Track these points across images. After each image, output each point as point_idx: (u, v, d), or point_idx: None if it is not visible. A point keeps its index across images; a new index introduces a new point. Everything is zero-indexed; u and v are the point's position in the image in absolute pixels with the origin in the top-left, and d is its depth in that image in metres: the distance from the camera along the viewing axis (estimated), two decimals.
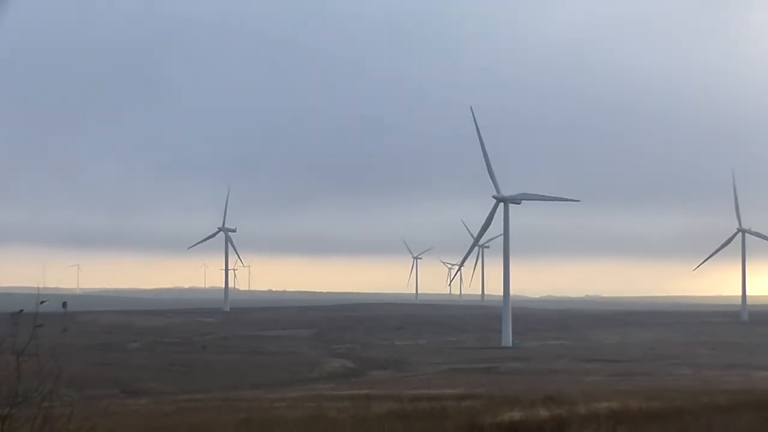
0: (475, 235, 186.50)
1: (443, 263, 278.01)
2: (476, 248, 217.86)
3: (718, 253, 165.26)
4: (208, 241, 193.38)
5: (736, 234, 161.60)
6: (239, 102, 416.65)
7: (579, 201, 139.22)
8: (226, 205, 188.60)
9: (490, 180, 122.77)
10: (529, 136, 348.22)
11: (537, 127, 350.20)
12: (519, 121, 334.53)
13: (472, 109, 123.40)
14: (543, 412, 27.28)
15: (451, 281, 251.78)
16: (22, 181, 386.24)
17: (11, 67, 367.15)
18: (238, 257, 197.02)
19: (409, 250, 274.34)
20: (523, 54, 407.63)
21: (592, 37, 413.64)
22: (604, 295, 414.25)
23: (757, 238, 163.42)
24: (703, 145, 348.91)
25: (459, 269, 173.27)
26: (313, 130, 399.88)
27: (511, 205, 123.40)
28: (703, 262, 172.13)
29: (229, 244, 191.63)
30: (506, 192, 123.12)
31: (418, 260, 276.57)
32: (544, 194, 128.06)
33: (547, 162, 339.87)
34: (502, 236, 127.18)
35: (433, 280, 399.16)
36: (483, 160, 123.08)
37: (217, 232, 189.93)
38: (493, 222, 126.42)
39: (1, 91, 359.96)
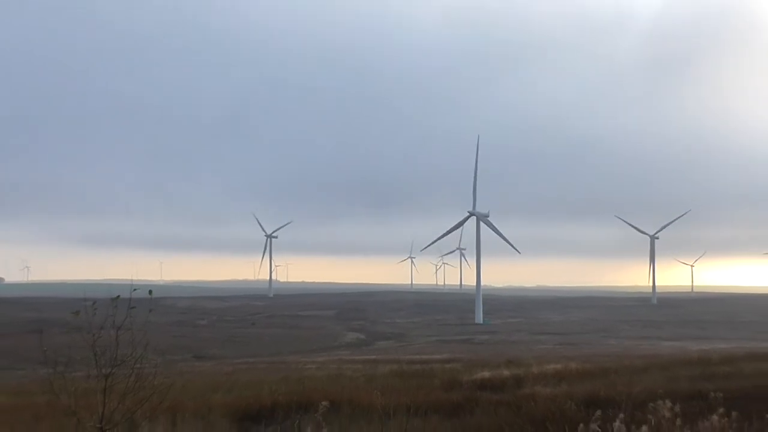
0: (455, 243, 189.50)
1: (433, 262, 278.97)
2: (457, 251, 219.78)
3: (636, 252, 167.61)
4: (258, 242, 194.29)
5: (651, 240, 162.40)
6: (289, 139, 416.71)
7: (520, 253, 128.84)
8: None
9: (472, 198, 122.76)
10: (512, 163, 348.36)
11: (517, 157, 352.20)
12: (504, 153, 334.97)
13: (478, 138, 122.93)
14: (505, 372, 27.20)
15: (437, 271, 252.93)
16: (132, 202, 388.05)
17: (132, 117, 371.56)
18: (270, 259, 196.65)
19: (410, 253, 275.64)
20: (516, 107, 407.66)
21: (569, 99, 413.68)
22: (550, 285, 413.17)
23: (666, 237, 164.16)
24: (629, 176, 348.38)
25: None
26: (341, 162, 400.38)
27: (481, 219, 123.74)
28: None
29: (269, 247, 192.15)
30: (480, 210, 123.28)
31: (414, 259, 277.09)
32: (498, 230, 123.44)
33: (521, 183, 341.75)
34: (475, 241, 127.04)
35: (425, 274, 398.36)
36: (472, 182, 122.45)
37: (271, 235, 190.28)
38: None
39: (129, 141, 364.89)
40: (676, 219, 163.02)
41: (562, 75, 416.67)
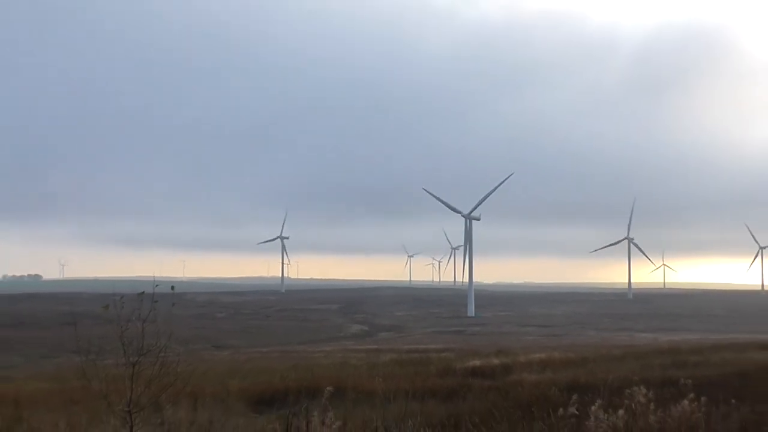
0: (451, 242, 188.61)
1: (433, 259, 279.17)
2: (451, 249, 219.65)
3: (614, 252, 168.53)
4: (272, 243, 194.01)
5: (623, 239, 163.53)
6: (303, 149, 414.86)
7: (512, 173, 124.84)
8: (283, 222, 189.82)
9: (474, 203, 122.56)
10: (506, 171, 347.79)
11: (501, 166, 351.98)
12: (499, 162, 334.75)
13: (510, 175, 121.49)
14: (495, 360, 27.20)
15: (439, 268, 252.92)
16: (157, 206, 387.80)
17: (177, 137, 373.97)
18: (287, 256, 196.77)
19: (406, 251, 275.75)
20: (513, 122, 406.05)
21: (561, 115, 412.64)
22: (537, 281, 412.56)
23: (636, 244, 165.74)
24: (612, 185, 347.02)
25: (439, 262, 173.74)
26: (347, 170, 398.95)
27: (474, 221, 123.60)
28: (597, 249, 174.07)
29: (284, 246, 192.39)
30: (473, 214, 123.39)
31: (411, 258, 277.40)
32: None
33: (514, 190, 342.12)
34: (465, 242, 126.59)
35: (421, 271, 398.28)
36: (481, 190, 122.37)
37: (276, 238, 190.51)
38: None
39: (157, 152, 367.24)
40: (647, 257, 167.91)
41: (556, 93, 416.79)
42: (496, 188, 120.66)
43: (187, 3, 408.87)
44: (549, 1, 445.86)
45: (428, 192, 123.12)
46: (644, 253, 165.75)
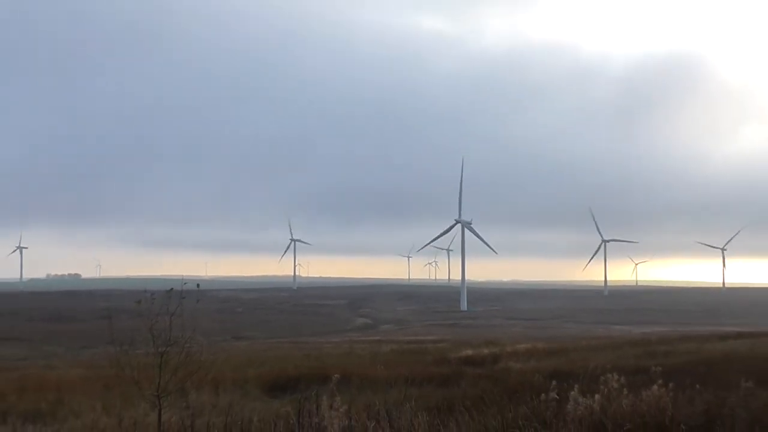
0: (452, 243, 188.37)
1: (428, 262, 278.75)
2: (446, 251, 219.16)
3: (595, 254, 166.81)
4: (283, 244, 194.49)
5: (601, 243, 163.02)
6: (315, 160, 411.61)
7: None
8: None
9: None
10: (493, 178, 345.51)
11: (498, 173, 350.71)
12: (493, 171, 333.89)
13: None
14: (485, 350, 27.18)
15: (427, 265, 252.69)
16: (182, 212, 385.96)
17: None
18: (296, 257, 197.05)
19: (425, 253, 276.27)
20: (511, 133, 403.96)
21: (552, 129, 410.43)
22: (523, 279, 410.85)
23: (616, 243, 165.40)
24: (597, 191, 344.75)
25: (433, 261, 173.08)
26: (356, 175, 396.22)
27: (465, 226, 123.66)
28: (587, 263, 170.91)
29: (293, 249, 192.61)
30: (464, 218, 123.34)
31: (410, 258, 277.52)
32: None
33: (502, 196, 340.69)
34: (460, 243, 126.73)
35: (420, 270, 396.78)
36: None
37: (292, 241, 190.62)
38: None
39: (191, 165, 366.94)
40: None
41: (554, 104, 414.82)
42: (480, 237, 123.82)
43: (232, 28, 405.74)
44: (547, 33, 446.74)
45: (461, 168, 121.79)
46: (604, 256, 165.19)
